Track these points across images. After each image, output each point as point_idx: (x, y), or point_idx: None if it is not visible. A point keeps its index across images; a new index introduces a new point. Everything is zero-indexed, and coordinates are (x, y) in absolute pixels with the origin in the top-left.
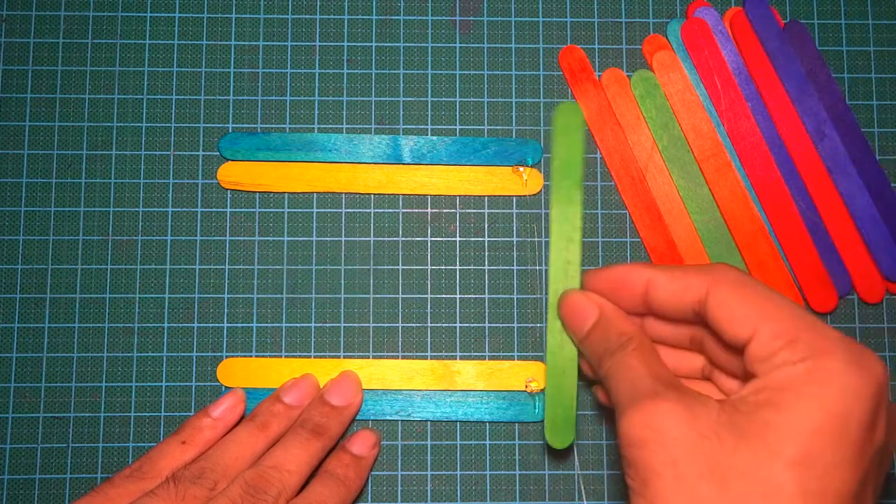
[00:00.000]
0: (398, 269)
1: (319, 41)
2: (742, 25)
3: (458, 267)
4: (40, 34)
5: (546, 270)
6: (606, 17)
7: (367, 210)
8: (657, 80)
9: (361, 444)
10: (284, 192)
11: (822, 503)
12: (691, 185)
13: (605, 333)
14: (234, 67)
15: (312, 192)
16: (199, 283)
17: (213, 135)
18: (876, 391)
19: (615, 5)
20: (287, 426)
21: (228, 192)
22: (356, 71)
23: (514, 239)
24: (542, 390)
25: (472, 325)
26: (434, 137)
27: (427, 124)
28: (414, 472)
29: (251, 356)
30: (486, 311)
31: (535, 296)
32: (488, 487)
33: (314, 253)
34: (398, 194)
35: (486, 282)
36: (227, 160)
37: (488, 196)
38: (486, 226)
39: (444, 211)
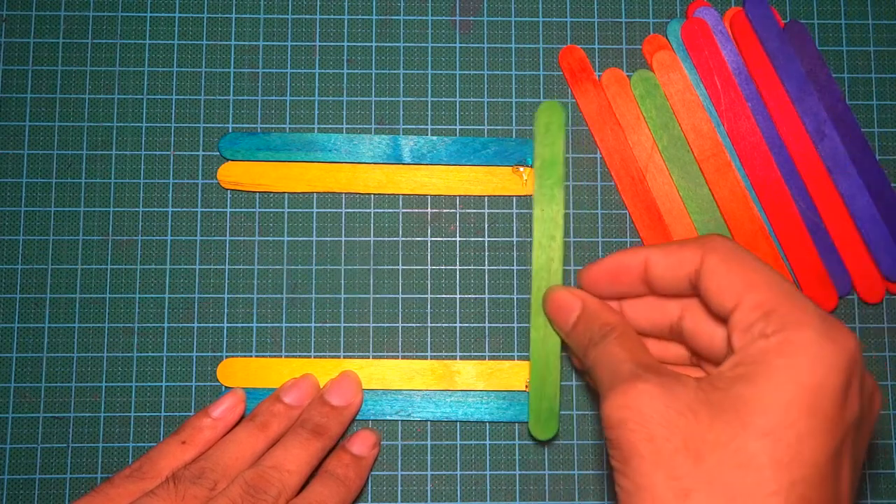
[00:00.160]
0: (398, 269)
1: (319, 41)
2: (742, 25)
3: (457, 267)
4: (40, 34)
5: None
6: (606, 17)
7: (367, 210)
8: (657, 80)
9: (361, 444)
10: (284, 192)
11: (794, 473)
12: (691, 185)
13: (589, 325)
14: (234, 67)
15: (312, 192)
16: (199, 283)
17: (213, 135)
18: (848, 363)
19: (615, 5)
20: (287, 426)
21: (228, 192)
22: (356, 71)
23: (514, 239)
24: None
25: (471, 325)
26: (434, 137)
27: (427, 124)
28: (414, 472)
29: (251, 356)
30: (486, 311)
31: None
32: (488, 487)
33: (314, 253)
34: (398, 194)
35: (486, 282)
36: (227, 160)
37: (488, 196)
38: (486, 226)
39: (444, 211)
